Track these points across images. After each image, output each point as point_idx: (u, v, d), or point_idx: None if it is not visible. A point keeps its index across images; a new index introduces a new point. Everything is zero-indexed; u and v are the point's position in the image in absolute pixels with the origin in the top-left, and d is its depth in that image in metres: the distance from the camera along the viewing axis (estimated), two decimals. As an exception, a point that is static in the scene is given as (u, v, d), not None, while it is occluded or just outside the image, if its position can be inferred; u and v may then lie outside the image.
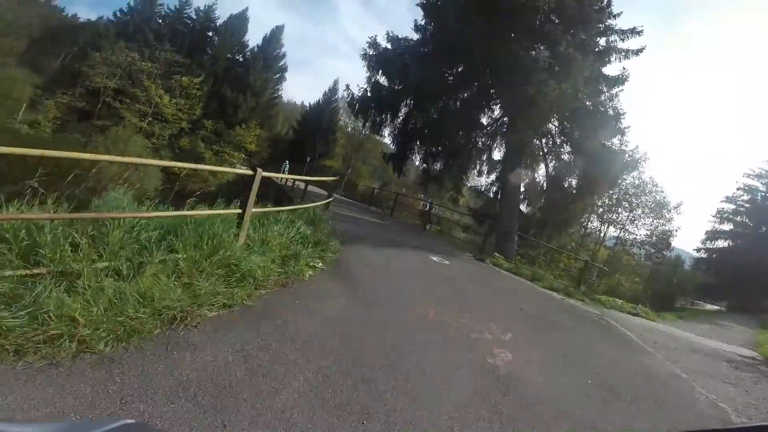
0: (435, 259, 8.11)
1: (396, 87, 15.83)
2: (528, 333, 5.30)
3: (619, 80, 15.16)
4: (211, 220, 4.04)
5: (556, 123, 15.45)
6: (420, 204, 18.00)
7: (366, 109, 16.90)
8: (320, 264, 5.04)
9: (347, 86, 17.86)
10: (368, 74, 16.09)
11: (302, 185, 13.98)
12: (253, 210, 4.59)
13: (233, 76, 41.77)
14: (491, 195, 17.70)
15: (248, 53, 43.61)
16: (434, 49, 14.59)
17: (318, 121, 50.08)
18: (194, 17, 41.53)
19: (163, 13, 40.72)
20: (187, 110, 37.81)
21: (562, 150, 15.76)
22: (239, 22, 42.62)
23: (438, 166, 18.09)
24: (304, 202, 8.43)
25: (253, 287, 3.66)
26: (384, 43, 15.89)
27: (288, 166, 39.51)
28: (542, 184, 16.46)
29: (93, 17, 55.86)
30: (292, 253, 4.72)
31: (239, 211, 4.41)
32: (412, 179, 40.18)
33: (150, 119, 35.62)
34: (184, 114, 37.58)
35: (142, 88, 34.46)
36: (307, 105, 52.10)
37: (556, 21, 13.86)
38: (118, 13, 39.43)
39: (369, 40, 16.09)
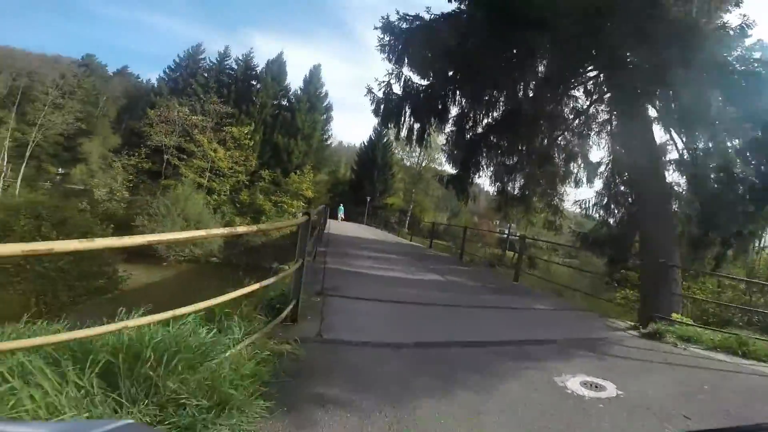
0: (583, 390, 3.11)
1: (433, 80, 11.04)
2: None
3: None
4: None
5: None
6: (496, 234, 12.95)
7: (395, 115, 11.50)
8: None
9: (368, 89, 11.49)
10: (391, 68, 11.13)
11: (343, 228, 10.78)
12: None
13: (281, 122, 41.43)
14: (603, 210, 12.25)
15: (292, 96, 43.45)
16: (485, 16, 10.17)
17: (372, 158, 47.93)
18: (235, 67, 42.55)
19: (207, 67, 42.32)
20: (243, 162, 37.73)
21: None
22: (277, 66, 42.74)
23: (517, 182, 13.37)
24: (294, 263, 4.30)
25: None
26: (402, 24, 10.94)
27: (343, 209, 37.20)
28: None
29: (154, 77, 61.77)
30: None
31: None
32: (484, 204, 35.08)
33: (209, 174, 35.92)
34: (240, 166, 37.47)
35: (196, 143, 35.02)
36: (361, 144, 50.49)
37: None
38: (167, 70, 41.78)
39: (382, 21, 11.10)
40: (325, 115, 45.25)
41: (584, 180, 12.51)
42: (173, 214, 28.51)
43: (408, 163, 50.52)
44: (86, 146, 43.19)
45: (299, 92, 43.49)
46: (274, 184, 39.49)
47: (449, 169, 12.73)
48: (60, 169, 42.00)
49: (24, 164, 36.18)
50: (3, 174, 34.28)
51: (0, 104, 35.10)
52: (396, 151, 50.11)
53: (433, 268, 8.94)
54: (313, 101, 43.16)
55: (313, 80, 44.11)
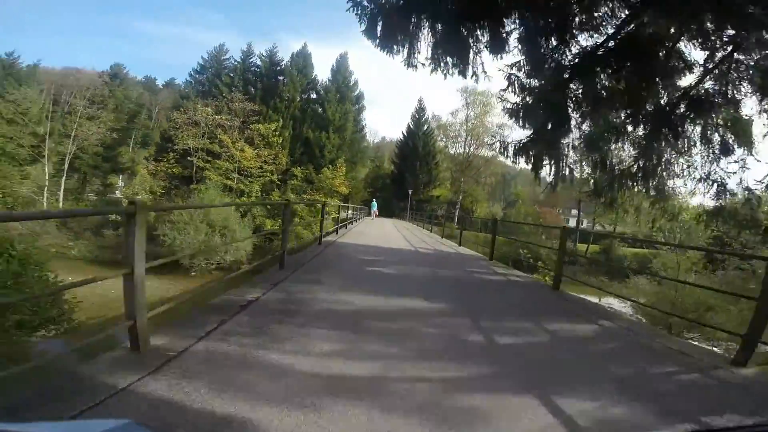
0: None
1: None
2: None
3: None
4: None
5: None
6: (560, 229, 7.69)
7: (403, 21, 6.00)
8: None
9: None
10: None
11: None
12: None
13: (311, 115, 38.32)
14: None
15: (320, 88, 40.10)
16: None
17: (413, 148, 43.51)
18: (259, 64, 39.98)
19: (231, 66, 40.16)
20: (272, 161, 35.07)
21: None
22: (303, 58, 39.61)
23: (624, 151, 8.50)
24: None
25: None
26: None
27: (376, 205, 33.16)
28: None
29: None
30: None
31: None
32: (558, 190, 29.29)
33: (236, 176, 33.64)
34: (270, 165, 34.84)
35: (220, 144, 32.82)
36: (401, 135, 46.14)
37: None
38: (192, 73, 40.18)
39: None
40: (356, 105, 41.50)
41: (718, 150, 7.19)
42: (195, 220, 26.12)
43: (453, 151, 45.26)
44: (127, 155, 43.39)
45: (328, 83, 40.11)
46: (307, 181, 36.50)
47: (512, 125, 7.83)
48: (108, 180, 42.32)
49: (63, 177, 36.28)
50: (45, 187, 34.54)
51: (38, 120, 35.43)
52: (439, 138, 45.19)
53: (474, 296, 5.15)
54: (342, 91, 39.62)
55: (341, 69, 40.54)
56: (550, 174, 8.17)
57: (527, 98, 6.89)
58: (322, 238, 10.71)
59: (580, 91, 6.73)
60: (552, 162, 7.59)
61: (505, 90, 6.91)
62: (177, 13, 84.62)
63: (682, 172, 7.32)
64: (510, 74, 6.79)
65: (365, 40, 6.22)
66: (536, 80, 6.87)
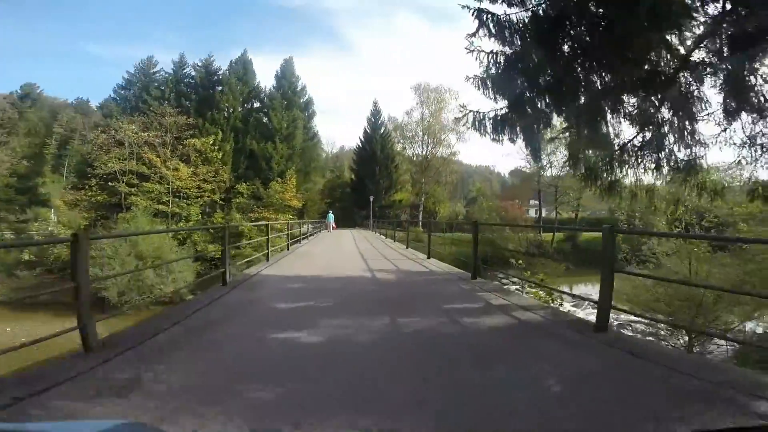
0: None
1: None
2: None
3: None
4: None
5: None
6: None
7: None
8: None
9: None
10: None
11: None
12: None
13: (255, 125, 35.12)
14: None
15: (264, 97, 37.04)
16: None
17: (371, 152, 41.29)
18: (194, 74, 36.45)
19: (162, 79, 36.24)
20: (212, 178, 31.42)
21: None
22: (242, 65, 36.45)
23: (621, 120, 6.48)
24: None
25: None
26: None
27: (332, 217, 30.43)
28: None
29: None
30: None
31: None
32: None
33: (170, 198, 29.64)
34: (209, 184, 31.17)
35: (150, 164, 28.81)
36: (358, 141, 43.78)
37: None
38: (117, 88, 35.76)
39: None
40: (306, 112, 38.71)
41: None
42: (121, 254, 22.24)
43: (411, 152, 43.48)
44: (47, 185, 37.76)
45: (272, 90, 37.10)
46: (255, 198, 33.12)
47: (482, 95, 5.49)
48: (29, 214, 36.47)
49: (-34, 214, 30.58)
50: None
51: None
52: (397, 141, 43.31)
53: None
54: (289, 97, 36.76)
55: (286, 75, 37.70)
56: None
57: (506, 47, 4.58)
58: (250, 267, 8.04)
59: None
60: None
61: (473, 34, 4.57)
62: (118, 31, 77.72)
63: (714, 140, 5.35)
64: (480, 9, 4.47)
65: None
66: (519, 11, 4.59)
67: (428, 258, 10.17)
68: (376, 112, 43.41)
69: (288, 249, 12.78)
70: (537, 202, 42.93)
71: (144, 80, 35.64)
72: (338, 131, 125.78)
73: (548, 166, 34.16)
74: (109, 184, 28.94)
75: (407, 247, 13.51)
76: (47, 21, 66.88)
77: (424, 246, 11.17)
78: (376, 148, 41.18)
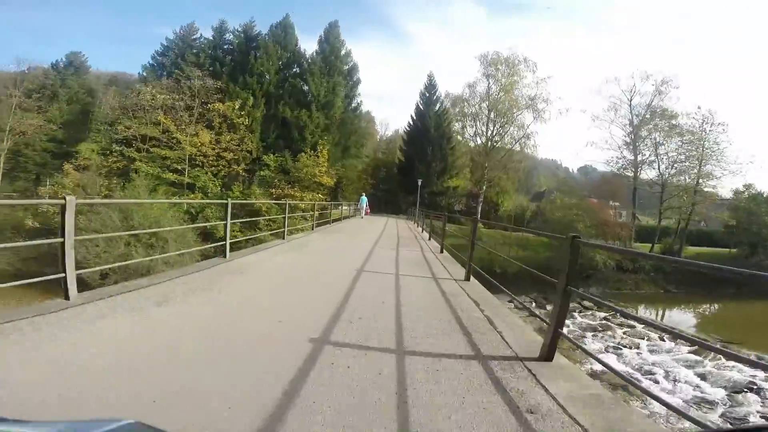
0: None
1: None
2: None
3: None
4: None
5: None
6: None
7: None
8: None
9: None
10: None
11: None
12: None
13: (290, 91, 30.61)
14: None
15: (304, 62, 32.47)
16: None
17: (423, 130, 34.94)
18: (233, 40, 33.03)
19: (200, 45, 33.27)
20: (236, 147, 27.51)
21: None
22: (282, 29, 32.34)
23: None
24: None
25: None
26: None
27: (366, 201, 24.56)
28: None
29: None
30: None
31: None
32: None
33: (187, 167, 26.19)
34: (231, 153, 27.28)
35: (161, 129, 25.56)
36: (409, 120, 37.74)
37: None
38: (154, 55, 33.40)
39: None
40: (350, 80, 33.56)
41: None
42: (109, 227, 18.33)
43: (473, 131, 35.96)
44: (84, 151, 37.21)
45: (314, 55, 32.54)
46: (282, 171, 28.60)
47: None
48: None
49: (-1, 176, 30.14)
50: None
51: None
52: (455, 118, 36.19)
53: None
54: (331, 62, 31.84)
55: (329, 38, 32.96)
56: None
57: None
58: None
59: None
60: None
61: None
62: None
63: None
64: None
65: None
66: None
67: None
68: (430, 86, 37.00)
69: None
70: (617, 204, 34.10)
71: (182, 46, 33.06)
72: (392, 116, 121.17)
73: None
74: (124, 150, 26.35)
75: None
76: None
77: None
78: (429, 126, 34.74)
